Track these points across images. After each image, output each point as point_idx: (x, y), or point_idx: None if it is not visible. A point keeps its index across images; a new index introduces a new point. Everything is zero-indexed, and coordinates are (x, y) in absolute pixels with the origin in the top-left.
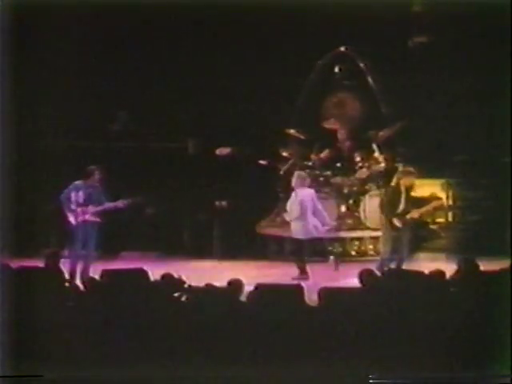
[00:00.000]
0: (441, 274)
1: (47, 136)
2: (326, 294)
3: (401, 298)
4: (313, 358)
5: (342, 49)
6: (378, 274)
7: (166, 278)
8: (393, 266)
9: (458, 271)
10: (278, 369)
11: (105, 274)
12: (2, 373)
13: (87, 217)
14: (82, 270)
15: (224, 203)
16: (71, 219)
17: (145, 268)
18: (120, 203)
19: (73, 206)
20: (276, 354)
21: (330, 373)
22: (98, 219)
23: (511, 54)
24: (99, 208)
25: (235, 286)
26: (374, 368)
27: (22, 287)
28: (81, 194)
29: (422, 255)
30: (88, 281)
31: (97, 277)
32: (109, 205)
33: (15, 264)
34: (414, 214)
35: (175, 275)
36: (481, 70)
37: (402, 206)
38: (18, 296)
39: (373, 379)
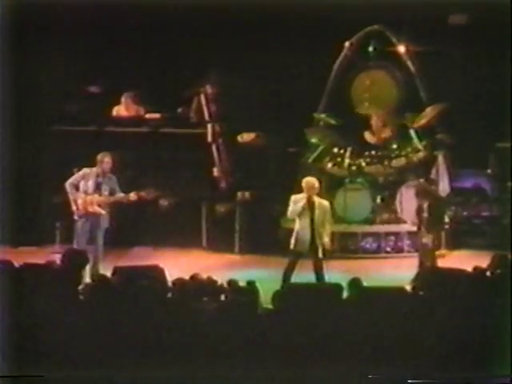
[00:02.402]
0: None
1: (53, 122)
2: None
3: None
4: (341, 359)
5: (376, 27)
6: None
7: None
8: None
9: (491, 268)
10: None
11: (117, 271)
12: (2, 373)
13: (92, 208)
14: (92, 266)
15: (247, 194)
16: (77, 210)
17: (161, 265)
18: (133, 195)
19: (80, 196)
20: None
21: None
22: (102, 211)
23: None
24: (110, 199)
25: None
26: (374, 367)
27: (24, 285)
28: (90, 183)
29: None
30: (98, 278)
31: (108, 274)
32: (120, 196)
33: (17, 260)
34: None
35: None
36: None
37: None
38: (19, 294)
39: (372, 377)
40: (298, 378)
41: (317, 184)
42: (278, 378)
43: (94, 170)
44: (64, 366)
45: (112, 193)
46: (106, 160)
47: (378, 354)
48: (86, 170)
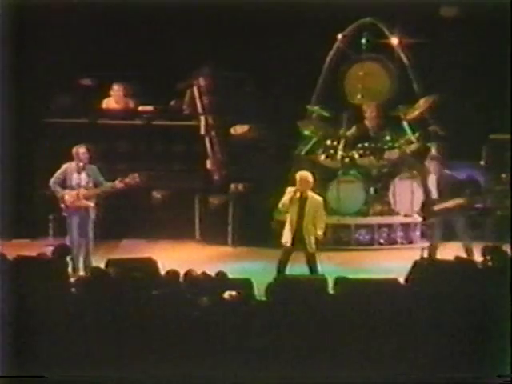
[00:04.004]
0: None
1: (46, 115)
2: (346, 284)
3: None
4: (329, 354)
5: (369, 19)
6: None
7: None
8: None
9: (484, 261)
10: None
11: (110, 263)
12: (2, 373)
13: (80, 202)
14: (83, 259)
15: (240, 186)
16: (64, 205)
17: (154, 257)
18: (118, 183)
19: (66, 192)
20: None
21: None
22: (91, 204)
23: None
24: (96, 191)
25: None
26: (372, 366)
27: (18, 278)
28: (73, 177)
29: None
30: (92, 271)
31: (102, 266)
32: (106, 186)
33: (13, 254)
34: (437, 207)
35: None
36: None
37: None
38: (12, 287)
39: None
40: (293, 371)
41: (310, 178)
42: (273, 370)
43: (73, 164)
44: (60, 363)
45: (96, 183)
46: (81, 151)
47: (374, 348)
48: (65, 166)
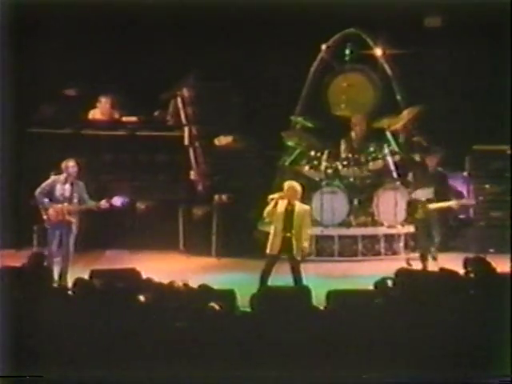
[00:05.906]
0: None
1: (31, 125)
2: (336, 295)
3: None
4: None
5: (353, 29)
6: None
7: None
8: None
9: (466, 272)
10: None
11: (94, 274)
12: (2, 373)
13: (62, 217)
14: (61, 271)
15: (224, 197)
16: (48, 220)
17: (138, 268)
18: (104, 203)
19: (50, 205)
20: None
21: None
22: (73, 220)
23: None
24: (80, 208)
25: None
26: (373, 367)
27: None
28: (59, 191)
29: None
30: (78, 282)
31: (86, 277)
32: (90, 205)
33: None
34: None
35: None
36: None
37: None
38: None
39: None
40: (277, 381)
41: (299, 188)
42: (257, 381)
43: (62, 177)
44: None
45: (80, 200)
46: (70, 165)
47: (360, 357)
48: (53, 178)
